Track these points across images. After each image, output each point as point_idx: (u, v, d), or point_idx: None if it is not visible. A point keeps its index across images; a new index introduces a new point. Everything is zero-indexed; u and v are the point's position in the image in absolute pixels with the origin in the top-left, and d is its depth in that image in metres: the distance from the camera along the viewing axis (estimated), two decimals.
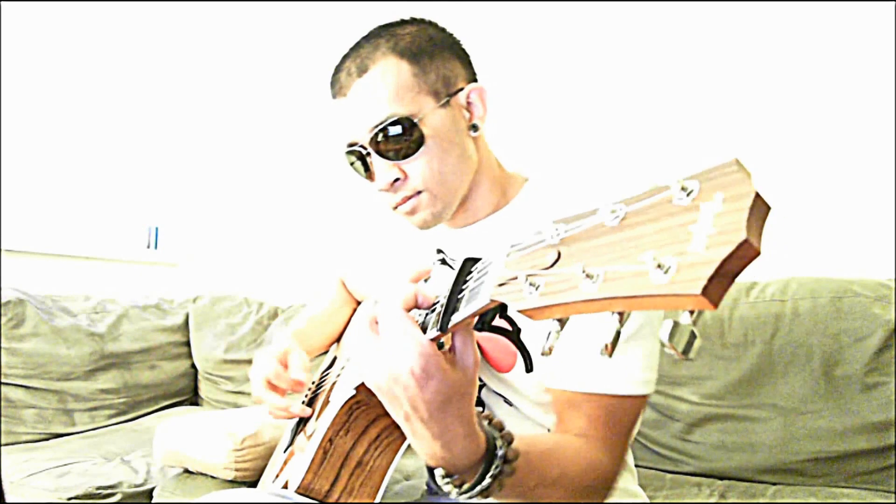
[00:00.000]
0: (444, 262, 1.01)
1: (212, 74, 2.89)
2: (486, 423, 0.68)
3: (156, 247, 2.93)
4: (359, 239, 1.35)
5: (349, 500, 0.86)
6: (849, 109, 1.81)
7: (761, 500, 1.47)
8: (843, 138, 1.82)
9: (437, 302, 0.64)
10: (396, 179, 0.92)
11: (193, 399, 2.48)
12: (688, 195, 0.39)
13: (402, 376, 0.60)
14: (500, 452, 0.66)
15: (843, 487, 1.50)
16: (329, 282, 1.32)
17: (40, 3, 2.48)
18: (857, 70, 1.81)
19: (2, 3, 2.31)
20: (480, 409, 0.95)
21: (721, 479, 1.60)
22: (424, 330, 0.62)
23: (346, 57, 0.96)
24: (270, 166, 2.79)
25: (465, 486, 0.66)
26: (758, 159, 1.91)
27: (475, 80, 0.98)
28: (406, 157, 0.91)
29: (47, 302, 2.22)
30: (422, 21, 0.97)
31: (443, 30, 0.98)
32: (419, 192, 0.93)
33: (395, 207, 0.95)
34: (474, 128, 0.96)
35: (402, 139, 0.90)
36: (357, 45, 0.96)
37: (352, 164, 0.96)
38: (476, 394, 0.65)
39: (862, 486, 1.49)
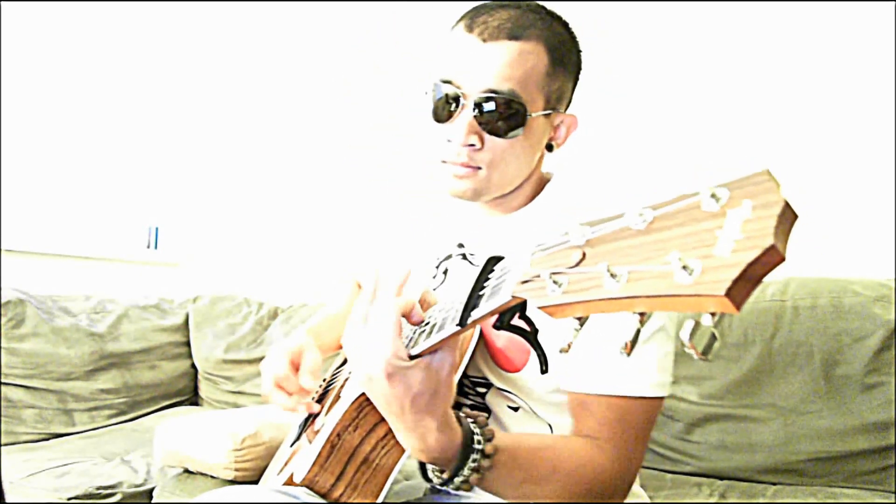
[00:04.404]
0: (464, 256, 1.02)
1: (212, 74, 2.89)
2: (469, 421, 0.73)
3: (156, 247, 2.92)
4: (375, 240, 1.35)
5: (352, 496, 0.87)
6: (849, 109, 1.81)
7: (761, 500, 1.48)
8: (843, 138, 1.82)
9: (456, 299, 0.66)
10: (472, 145, 0.92)
11: (193, 399, 2.47)
12: (716, 202, 0.40)
13: (374, 376, 0.67)
14: (477, 447, 0.70)
15: (843, 487, 1.50)
16: (344, 283, 1.33)
17: (40, 3, 2.48)
18: (857, 70, 1.81)
19: (2, 3, 2.31)
20: (487, 414, 0.96)
21: (721, 479, 1.60)
22: (436, 327, 0.66)
23: (501, 6, 0.94)
24: (271, 166, 2.79)
25: (446, 477, 0.72)
26: (758, 159, 1.91)
27: (569, 106, 1.01)
28: (493, 134, 0.91)
29: (47, 302, 2.22)
30: (571, 30, 0.98)
31: (580, 50, 0.99)
32: (478, 168, 0.93)
33: (446, 162, 0.94)
34: (549, 147, 0.99)
35: (503, 119, 0.91)
36: (516, 4, 0.94)
37: (436, 96, 0.94)
38: (452, 395, 0.71)
39: (862, 486, 1.49)
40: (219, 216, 2.89)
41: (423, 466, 0.75)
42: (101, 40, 2.69)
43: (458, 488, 0.71)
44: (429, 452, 0.70)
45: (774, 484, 1.55)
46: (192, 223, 2.93)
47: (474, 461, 0.70)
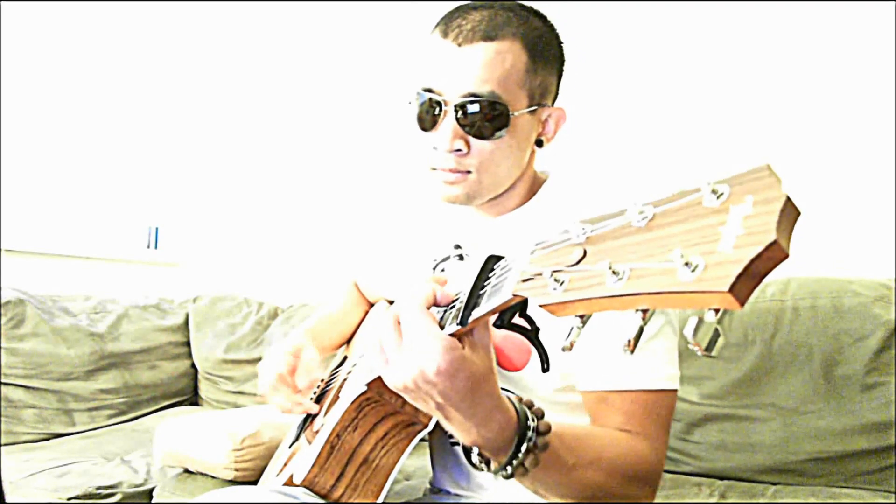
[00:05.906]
0: (461, 257, 1.03)
1: (212, 74, 2.89)
2: (517, 400, 0.70)
3: (156, 247, 2.93)
4: (372, 240, 1.35)
5: (353, 497, 0.87)
6: (849, 109, 1.81)
7: (761, 500, 1.47)
8: (843, 138, 1.82)
9: (457, 298, 0.65)
10: (458, 150, 0.92)
11: (193, 399, 2.47)
12: (718, 198, 0.40)
13: (431, 375, 0.62)
14: (531, 423, 0.68)
15: (843, 487, 1.50)
16: (342, 283, 1.33)
17: (40, 3, 2.48)
18: (857, 70, 1.81)
19: (2, 3, 2.31)
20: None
21: (721, 479, 1.60)
22: (443, 326, 0.64)
23: (474, 7, 0.94)
24: (271, 166, 2.79)
25: (502, 462, 0.67)
26: (757, 158, 1.91)
27: (556, 99, 1.00)
28: (479, 137, 0.91)
29: (47, 302, 2.22)
30: (550, 24, 0.98)
31: (561, 43, 0.99)
32: (468, 172, 0.93)
33: (435, 170, 0.95)
34: (539, 143, 0.99)
35: (486, 121, 0.90)
36: (489, 4, 0.94)
37: (419, 105, 0.94)
38: (496, 375, 0.67)
39: (862, 486, 1.49)
40: (219, 216, 2.89)
41: (467, 455, 0.71)
42: (101, 40, 2.69)
43: (510, 476, 0.67)
44: (487, 436, 0.66)
45: (774, 484, 1.55)
46: (192, 223, 2.93)
47: (530, 439, 0.67)
